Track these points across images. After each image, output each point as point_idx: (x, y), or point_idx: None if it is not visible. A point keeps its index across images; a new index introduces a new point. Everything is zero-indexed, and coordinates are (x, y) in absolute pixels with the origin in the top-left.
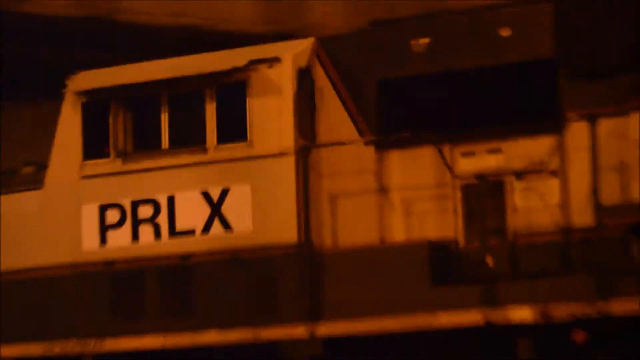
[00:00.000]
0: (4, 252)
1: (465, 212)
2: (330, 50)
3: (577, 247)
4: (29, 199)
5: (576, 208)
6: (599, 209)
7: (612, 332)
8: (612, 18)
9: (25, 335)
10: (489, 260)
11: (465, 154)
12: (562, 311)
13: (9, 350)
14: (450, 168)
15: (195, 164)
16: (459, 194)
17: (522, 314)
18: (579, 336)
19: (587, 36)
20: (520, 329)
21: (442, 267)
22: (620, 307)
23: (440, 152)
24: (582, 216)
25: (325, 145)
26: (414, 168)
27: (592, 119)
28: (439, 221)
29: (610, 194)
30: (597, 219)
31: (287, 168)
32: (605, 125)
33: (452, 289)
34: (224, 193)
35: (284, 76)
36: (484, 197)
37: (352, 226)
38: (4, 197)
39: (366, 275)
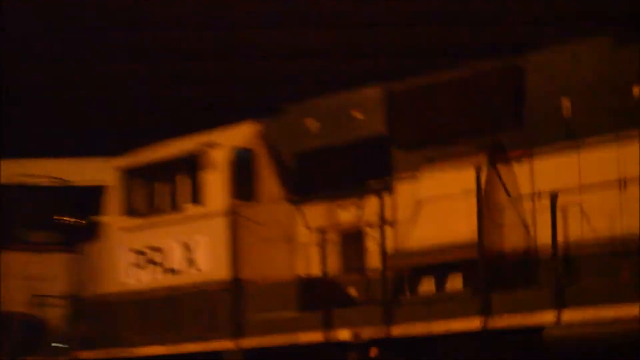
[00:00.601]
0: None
1: (342, 253)
2: (267, 129)
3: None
4: (98, 245)
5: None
6: (385, 255)
7: (396, 348)
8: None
9: (95, 342)
10: (352, 290)
11: (342, 207)
12: (366, 333)
13: (86, 354)
14: None
15: (177, 221)
16: (338, 239)
17: (344, 335)
18: (373, 352)
19: (405, 118)
20: (349, 346)
21: (314, 296)
22: (399, 330)
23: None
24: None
25: (248, 205)
26: (312, 219)
27: (392, 183)
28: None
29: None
30: (383, 263)
31: (223, 223)
32: (406, 187)
33: (311, 315)
34: (194, 242)
35: (221, 156)
36: (354, 241)
37: (275, 264)
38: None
39: (269, 303)
